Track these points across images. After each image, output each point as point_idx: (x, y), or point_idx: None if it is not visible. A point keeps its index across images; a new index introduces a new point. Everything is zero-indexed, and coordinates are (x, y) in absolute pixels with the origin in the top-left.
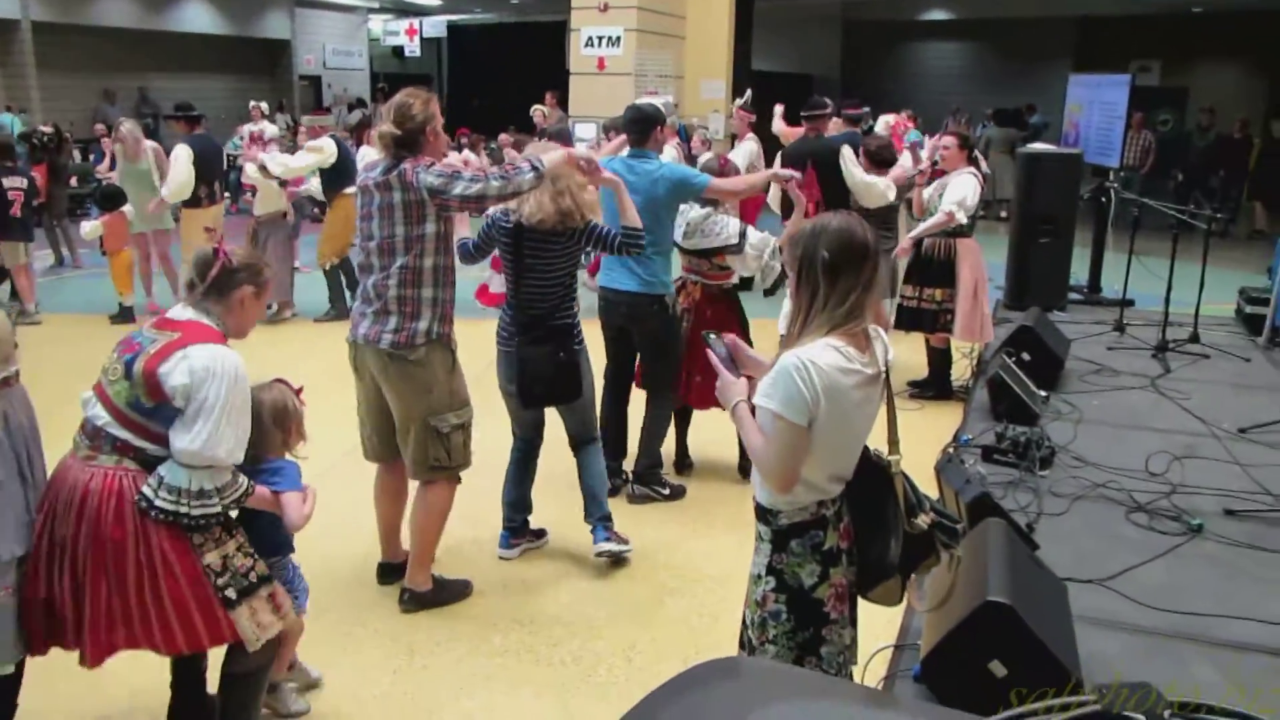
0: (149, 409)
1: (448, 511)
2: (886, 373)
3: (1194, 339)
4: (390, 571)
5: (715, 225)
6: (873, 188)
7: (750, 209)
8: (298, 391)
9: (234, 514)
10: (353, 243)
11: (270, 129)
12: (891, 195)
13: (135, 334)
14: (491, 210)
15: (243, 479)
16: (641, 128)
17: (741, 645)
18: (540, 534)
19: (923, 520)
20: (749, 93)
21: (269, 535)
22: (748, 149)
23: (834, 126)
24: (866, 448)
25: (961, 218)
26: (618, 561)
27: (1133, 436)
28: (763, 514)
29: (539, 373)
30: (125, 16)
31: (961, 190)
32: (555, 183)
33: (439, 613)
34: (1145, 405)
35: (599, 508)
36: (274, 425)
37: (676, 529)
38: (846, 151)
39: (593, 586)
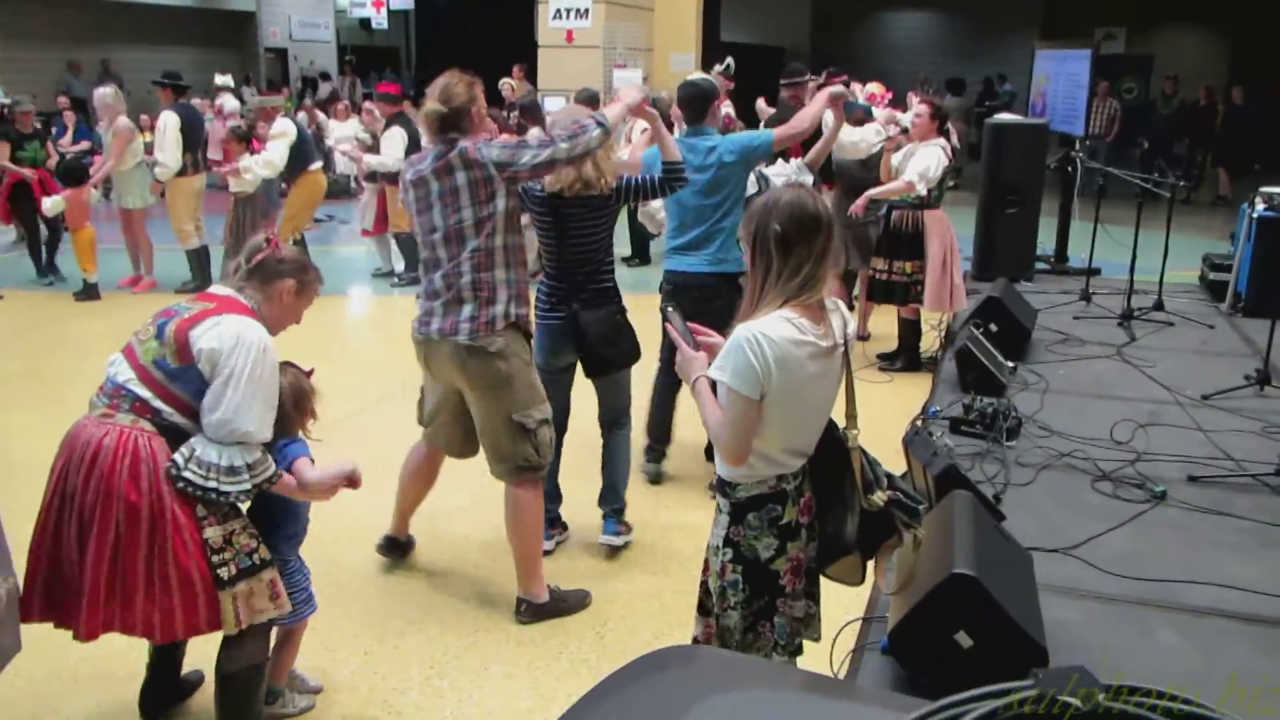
0: (173, 370)
1: (542, 513)
2: (846, 346)
3: (1159, 307)
4: (395, 547)
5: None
6: (858, 144)
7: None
8: (308, 374)
9: (244, 506)
10: (320, 218)
11: (231, 103)
12: (876, 141)
13: (172, 305)
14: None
15: (271, 461)
16: (699, 104)
17: (701, 612)
18: (565, 526)
19: (879, 497)
20: (729, 60)
21: (280, 532)
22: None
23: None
24: (833, 422)
25: (921, 189)
26: (614, 552)
27: (1098, 405)
28: (722, 486)
29: (604, 335)
30: None
31: (925, 161)
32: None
33: (411, 594)
34: (1111, 374)
35: (617, 498)
36: (294, 409)
37: (649, 506)
38: (828, 116)
39: (564, 565)
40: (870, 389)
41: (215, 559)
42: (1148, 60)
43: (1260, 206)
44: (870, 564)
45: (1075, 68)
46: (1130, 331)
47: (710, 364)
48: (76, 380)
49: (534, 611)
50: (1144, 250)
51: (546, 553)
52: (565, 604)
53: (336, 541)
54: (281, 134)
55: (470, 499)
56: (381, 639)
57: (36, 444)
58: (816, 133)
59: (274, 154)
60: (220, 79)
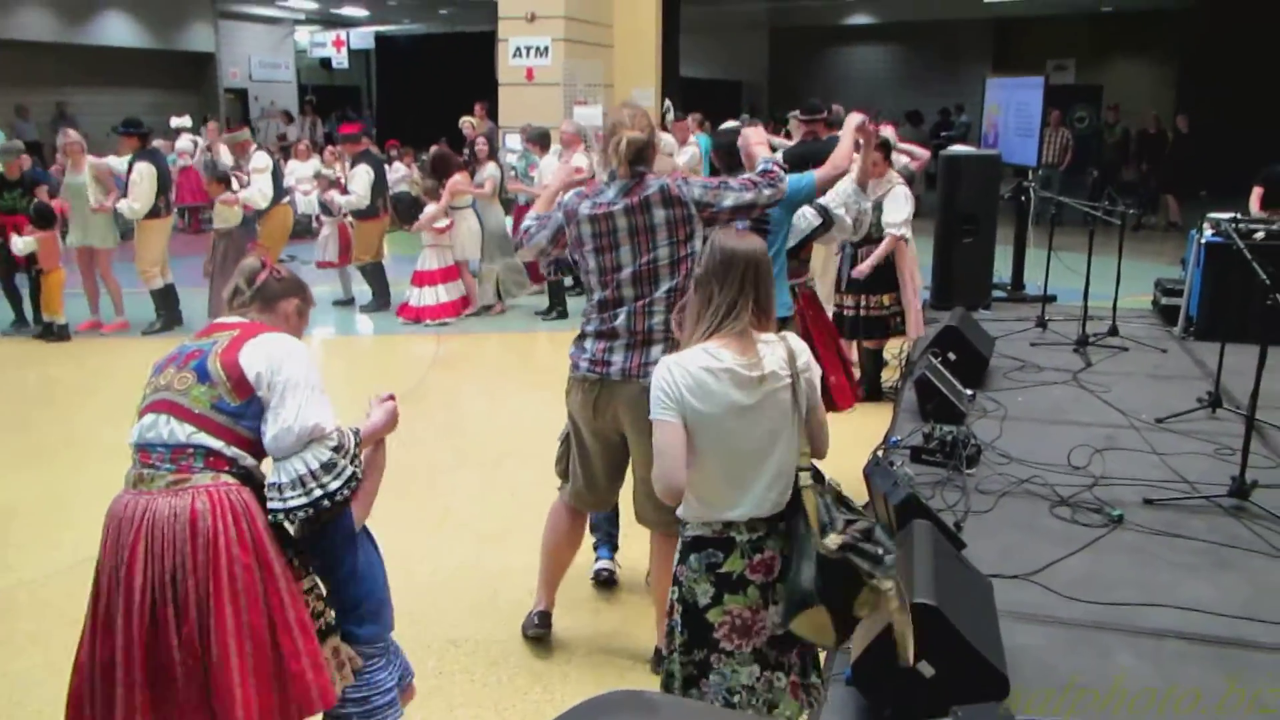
0: (235, 409)
1: None
2: (794, 379)
3: (1113, 332)
4: (548, 621)
5: (797, 220)
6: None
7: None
8: None
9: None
10: (283, 258)
11: (185, 144)
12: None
13: (180, 348)
14: (564, 199)
15: (344, 428)
16: (736, 152)
17: (657, 652)
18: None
19: (832, 540)
20: (668, 103)
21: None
22: (690, 154)
23: (794, 129)
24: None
25: (908, 234)
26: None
27: (1056, 431)
28: (680, 524)
29: None
30: (41, 29)
31: (901, 209)
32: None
33: None
34: (1068, 399)
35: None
36: None
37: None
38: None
39: (528, 603)
40: (832, 420)
41: (313, 608)
42: (1098, 90)
43: (1208, 232)
44: (849, 625)
45: (1026, 97)
46: (1086, 357)
47: None
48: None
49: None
50: (1099, 277)
51: (609, 576)
52: None
53: None
54: (264, 168)
55: (426, 539)
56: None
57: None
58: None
59: (265, 185)
60: (177, 121)
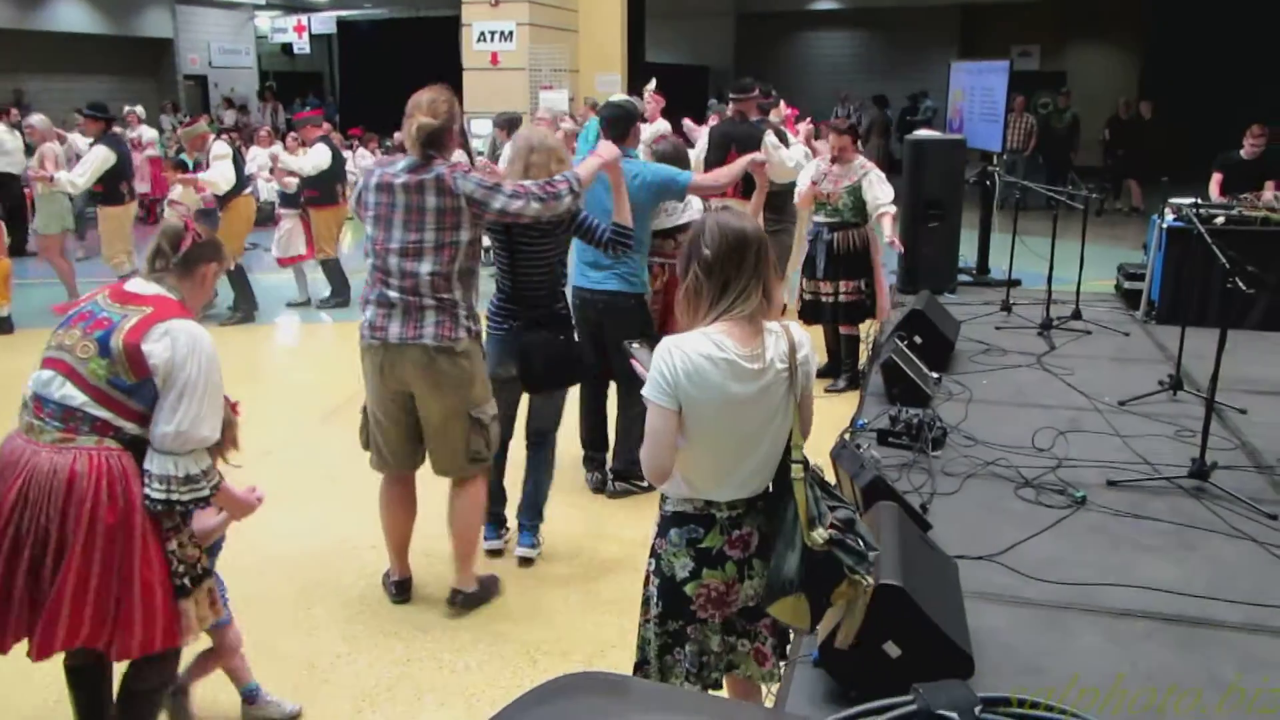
0: (129, 386)
1: (484, 508)
2: (792, 371)
3: (1076, 316)
4: (407, 588)
5: (674, 205)
6: (789, 165)
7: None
8: (234, 405)
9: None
10: (246, 246)
11: (149, 133)
12: (804, 159)
13: (92, 307)
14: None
15: (217, 469)
16: (621, 125)
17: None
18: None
19: (820, 534)
20: (654, 81)
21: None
22: (657, 128)
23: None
24: (788, 450)
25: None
26: (525, 562)
27: (1021, 413)
28: (660, 497)
29: (543, 358)
30: None
31: (887, 188)
32: (528, 172)
33: (340, 625)
34: (1032, 382)
35: (538, 515)
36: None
37: (579, 524)
38: (770, 138)
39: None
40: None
41: (175, 569)
42: (1061, 76)
43: (1170, 217)
44: (830, 612)
45: (991, 82)
46: (1050, 340)
47: None
48: None
49: (468, 601)
50: (1064, 261)
51: (497, 552)
52: (489, 591)
53: (263, 574)
54: (225, 155)
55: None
56: (310, 673)
57: None
58: (749, 180)
59: (226, 170)
60: (130, 109)
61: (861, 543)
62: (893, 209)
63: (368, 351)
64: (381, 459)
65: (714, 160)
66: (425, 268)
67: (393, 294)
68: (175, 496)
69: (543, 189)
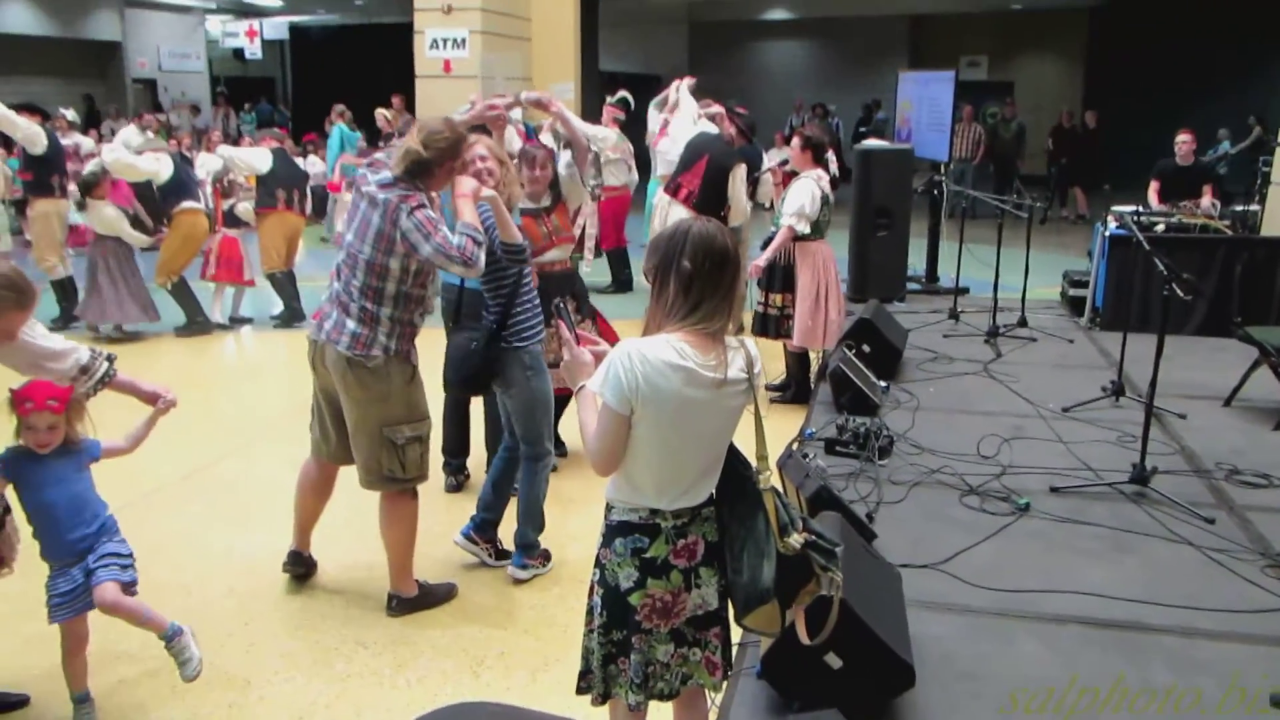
0: None
1: (415, 521)
2: (750, 384)
3: (1023, 323)
4: (300, 562)
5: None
6: (742, 211)
7: (612, 216)
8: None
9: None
10: (195, 255)
11: (87, 143)
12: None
13: None
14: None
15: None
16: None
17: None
18: (499, 547)
19: (795, 540)
20: (622, 93)
21: (51, 539)
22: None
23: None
24: (746, 463)
25: (802, 228)
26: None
27: (966, 421)
28: (606, 506)
29: (455, 357)
30: None
31: (798, 199)
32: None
33: (278, 641)
34: (978, 390)
35: (524, 535)
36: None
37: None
38: (740, 171)
39: (446, 604)
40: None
41: None
42: (1009, 86)
43: (1112, 225)
44: (789, 612)
45: (937, 92)
46: (996, 348)
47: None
48: None
49: (405, 605)
50: (1011, 269)
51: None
52: (433, 596)
53: (203, 586)
54: (155, 171)
55: (326, 538)
56: (246, 690)
57: None
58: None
59: (139, 161)
60: (63, 112)
61: (825, 540)
62: (786, 222)
63: (310, 343)
64: (314, 442)
65: (682, 168)
66: (358, 278)
67: (336, 289)
68: None
69: (462, 253)
